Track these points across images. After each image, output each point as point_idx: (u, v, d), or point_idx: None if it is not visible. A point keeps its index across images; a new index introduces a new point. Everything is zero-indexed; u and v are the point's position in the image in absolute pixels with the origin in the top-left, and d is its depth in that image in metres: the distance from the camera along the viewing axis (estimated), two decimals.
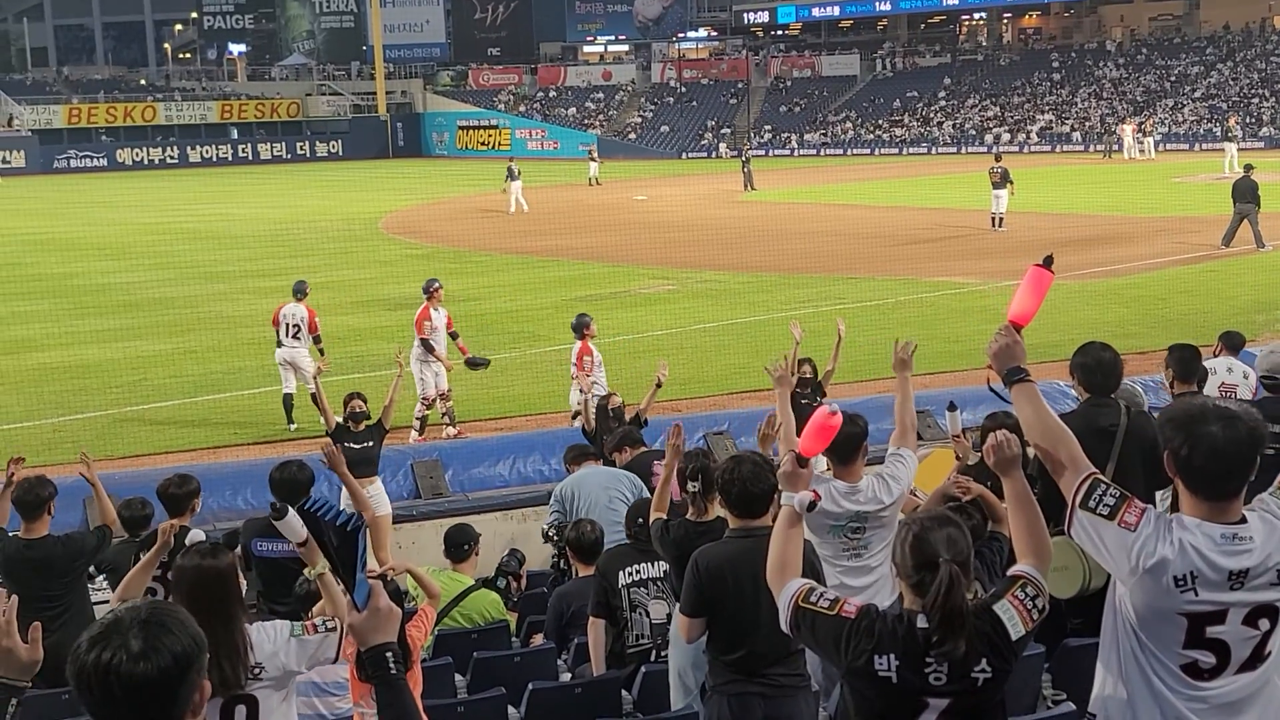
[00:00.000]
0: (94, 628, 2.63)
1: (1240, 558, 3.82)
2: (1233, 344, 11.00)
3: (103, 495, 8.36)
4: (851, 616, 3.97)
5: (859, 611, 3.99)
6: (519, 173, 44.64)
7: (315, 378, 12.59)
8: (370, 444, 11.86)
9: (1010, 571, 4.19)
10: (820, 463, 7.16)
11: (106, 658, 2.56)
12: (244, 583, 5.08)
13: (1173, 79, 75.87)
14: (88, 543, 8.15)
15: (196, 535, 5.40)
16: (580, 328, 14.98)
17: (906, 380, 6.88)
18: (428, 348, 16.21)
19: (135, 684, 2.56)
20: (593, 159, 57.97)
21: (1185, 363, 8.24)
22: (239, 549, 8.13)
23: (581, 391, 13.31)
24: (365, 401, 12.15)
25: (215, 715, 4.70)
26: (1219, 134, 66.07)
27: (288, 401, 16.74)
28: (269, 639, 4.82)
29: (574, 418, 15.00)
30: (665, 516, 6.76)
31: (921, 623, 3.89)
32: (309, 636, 4.88)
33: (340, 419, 12.08)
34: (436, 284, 16.72)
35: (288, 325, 16.93)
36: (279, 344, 16.96)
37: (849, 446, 6.52)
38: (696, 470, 6.52)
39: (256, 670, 4.72)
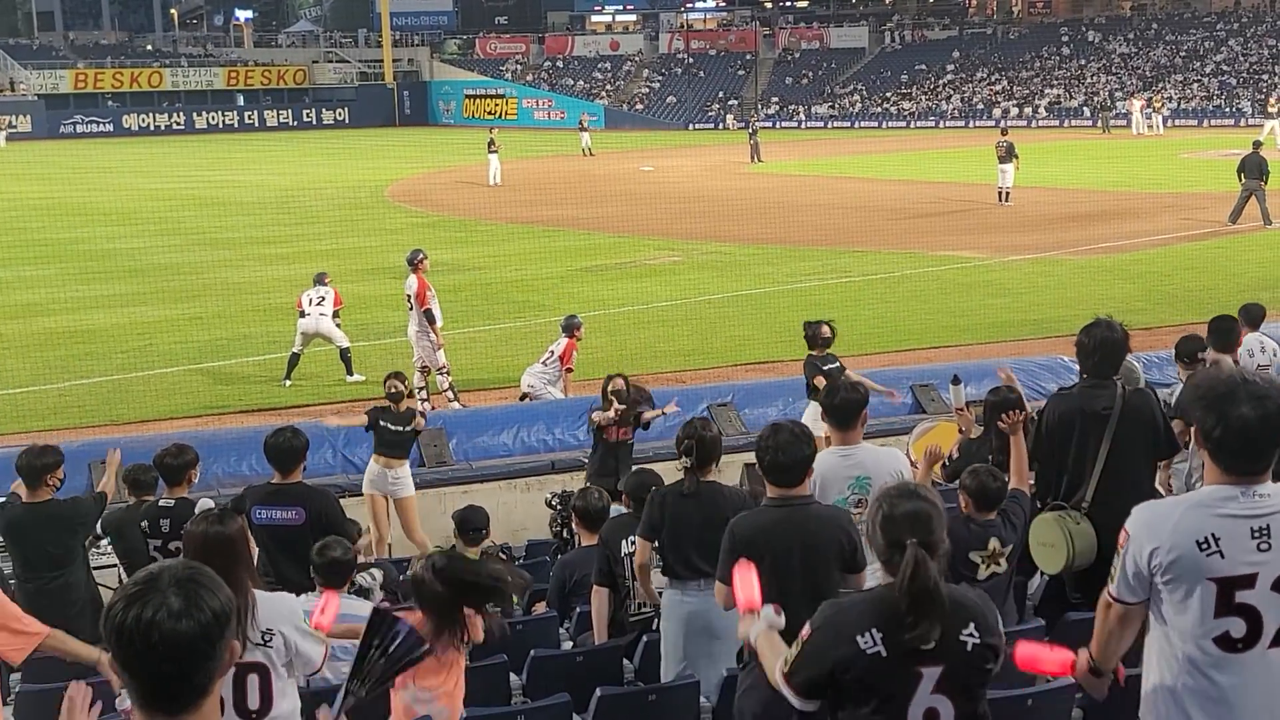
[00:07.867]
0: (128, 586, 2.61)
1: (1259, 509, 3.88)
2: (1252, 319, 10.70)
3: (113, 480, 8.82)
4: (807, 635, 3.96)
5: (812, 627, 3.97)
6: (497, 146, 42.84)
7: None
8: (406, 428, 11.61)
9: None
10: (818, 429, 7.18)
11: (149, 615, 2.54)
12: (255, 549, 5.09)
13: (1183, 54, 75.45)
14: (88, 507, 8.48)
15: (205, 503, 5.43)
16: (571, 328, 15.10)
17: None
18: (430, 318, 16.07)
19: (177, 641, 2.55)
20: (583, 129, 57.77)
21: (1222, 334, 8.66)
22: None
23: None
24: (403, 381, 11.91)
25: (228, 685, 4.64)
26: (1228, 110, 65.85)
27: (293, 360, 17.05)
28: (278, 611, 4.76)
29: (522, 399, 14.97)
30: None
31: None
32: (312, 635, 4.84)
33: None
34: (422, 254, 16.68)
35: (311, 299, 17.21)
36: (302, 314, 17.13)
37: (849, 413, 6.54)
38: (690, 447, 6.48)
39: (267, 636, 4.65)
